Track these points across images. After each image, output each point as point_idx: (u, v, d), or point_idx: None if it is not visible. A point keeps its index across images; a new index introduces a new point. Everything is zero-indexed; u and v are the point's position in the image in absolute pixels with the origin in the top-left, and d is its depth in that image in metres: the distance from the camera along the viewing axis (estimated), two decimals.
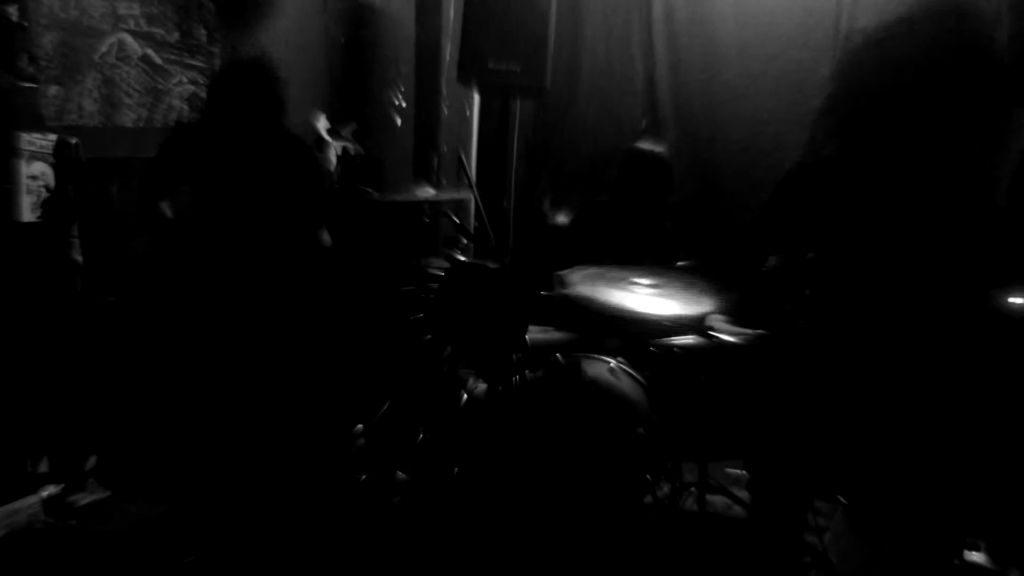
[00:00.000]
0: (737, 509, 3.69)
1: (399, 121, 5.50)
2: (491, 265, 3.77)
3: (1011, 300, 2.77)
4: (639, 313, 3.21)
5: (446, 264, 3.90)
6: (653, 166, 4.21)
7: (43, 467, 3.81)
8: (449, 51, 5.40)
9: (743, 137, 5.01)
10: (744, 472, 3.96)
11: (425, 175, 5.32)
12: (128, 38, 4.16)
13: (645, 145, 4.27)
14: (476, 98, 5.62)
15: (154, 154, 3.70)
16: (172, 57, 4.34)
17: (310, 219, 3.73)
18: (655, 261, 3.98)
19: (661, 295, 3.29)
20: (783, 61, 4.90)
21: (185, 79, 4.38)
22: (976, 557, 3.13)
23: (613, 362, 3.67)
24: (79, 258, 3.73)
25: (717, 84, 5.08)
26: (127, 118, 4.16)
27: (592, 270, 3.53)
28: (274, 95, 3.73)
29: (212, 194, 3.52)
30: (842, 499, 3.09)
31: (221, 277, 3.39)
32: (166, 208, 3.56)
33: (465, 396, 3.87)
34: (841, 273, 2.62)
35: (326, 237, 3.73)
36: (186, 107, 4.37)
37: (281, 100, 3.75)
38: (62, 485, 3.74)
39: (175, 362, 3.35)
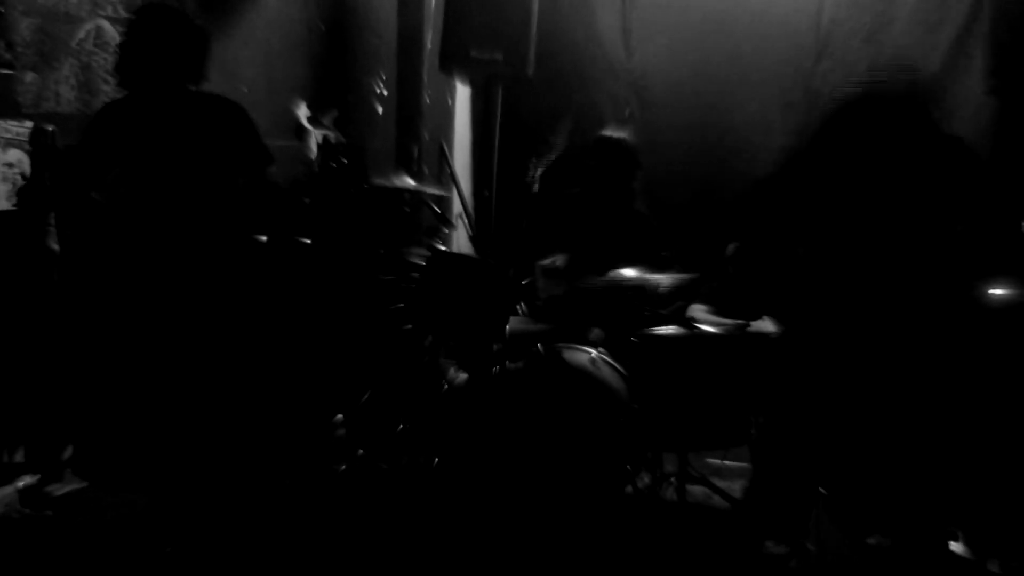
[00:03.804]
0: (717, 499, 3.70)
1: (380, 110, 5.47)
2: (472, 255, 3.76)
3: (991, 292, 2.78)
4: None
5: (427, 254, 3.89)
6: (618, 152, 4.21)
7: (19, 457, 3.79)
8: (431, 39, 5.36)
9: (729, 126, 5.01)
10: (724, 462, 3.98)
11: (406, 164, 5.30)
12: (106, 24, 4.12)
13: (608, 133, 4.27)
14: (458, 87, 5.59)
15: (81, 139, 3.46)
16: None
17: (251, 191, 3.52)
18: (631, 248, 3.99)
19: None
20: (768, 53, 4.90)
21: None
22: (955, 547, 3.14)
23: (594, 352, 3.67)
24: (55, 247, 3.70)
25: (703, 75, 5.08)
26: None
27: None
28: (188, 47, 3.40)
29: (142, 177, 3.32)
30: (822, 490, 3.10)
31: (170, 264, 3.32)
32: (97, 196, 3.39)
33: (446, 386, 3.86)
34: (825, 267, 2.63)
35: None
36: None
37: (200, 53, 3.43)
38: (39, 475, 3.72)
39: (151, 352, 3.32)
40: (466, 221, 4.27)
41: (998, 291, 2.75)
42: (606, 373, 3.59)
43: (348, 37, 5.45)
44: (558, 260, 3.97)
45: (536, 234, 4.27)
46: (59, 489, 3.71)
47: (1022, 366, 2.77)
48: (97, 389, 3.51)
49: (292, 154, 4.49)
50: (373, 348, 4.14)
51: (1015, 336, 2.77)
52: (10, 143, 3.70)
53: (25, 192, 3.71)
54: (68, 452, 3.77)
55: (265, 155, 3.46)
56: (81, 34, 4.03)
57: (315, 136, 4.55)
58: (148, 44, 3.32)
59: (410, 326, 3.98)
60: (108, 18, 4.10)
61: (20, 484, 3.67)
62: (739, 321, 3.66)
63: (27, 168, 3.71)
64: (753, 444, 3.50)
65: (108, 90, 4.12)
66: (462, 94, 5.67)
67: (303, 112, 4.62)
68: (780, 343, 3.01)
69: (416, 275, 3.89)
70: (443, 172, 5.00)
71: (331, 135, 4.60)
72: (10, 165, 3.71)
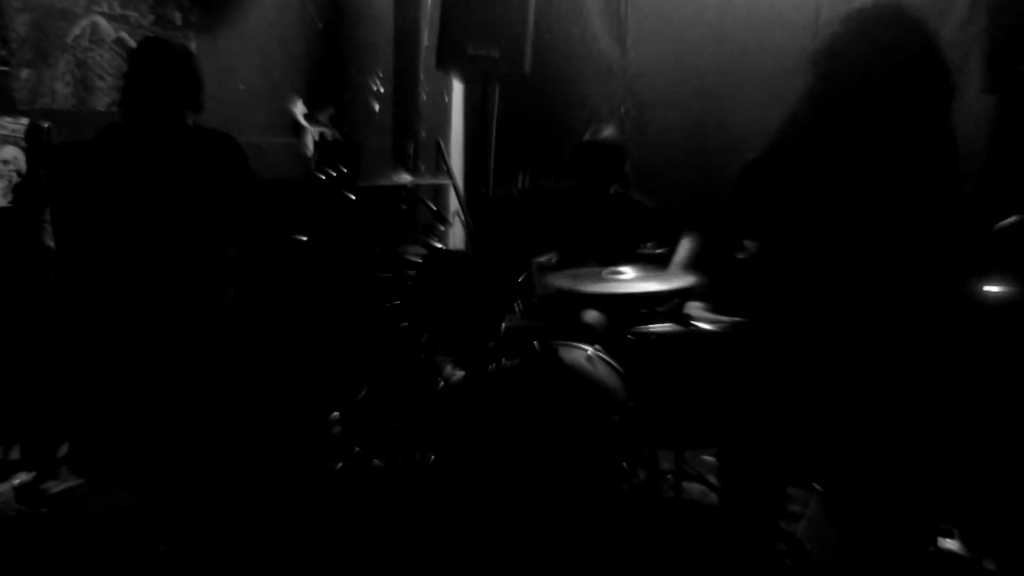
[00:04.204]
0: (713, 496, 3.70)
1: (377, 107, 5.47)
2: (468, 252, 3.76)
3: (985, 289, 2.78)
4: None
5: (423, 251, 3.89)
6: (602, 155, 4.21)
7: (15, 454, 3.79)
8: (427, 36, 5.37)
9: (724, 123, 5.00)
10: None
11: (403, 161, 5.30)
12: (102, 21, 4.12)
13: (588, 137, 4.26)
14: (455, 84, 5.59)
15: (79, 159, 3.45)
16: None
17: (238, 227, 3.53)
18: (627, 239, 3.99)
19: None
20: (763, 50, 4.90)
21: None
22: (950, 544, 3.14)
23: (590, 349, 3.66)
24: (51, 244, 3.69)
25: (701, 75, 5.08)
26: (100, 102, 4.13)
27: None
28: (185, 85, 3.44)
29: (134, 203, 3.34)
30: (817, 486, 3.10)
31: (165, 262, 3.33)
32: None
33: (442, 383, 3.86)
34: (813, 261, 2.62)
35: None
36: None
37: (199, 87, 3.46)
38: (34, 473, 3.72)
39: (147, 349, 3.32)
40: (463, 219, 4.27)
41: (992, 288, 2.75)
42: (602, 370, 3.59)
43: (345, 34, 5.45)
44: (554, 257, 3.96)
45: (530, 231, 4.27)
46: (55, 486, 3.70)
47: (1017, 362, 2.77)
48: (93, 386, 3.50)
49: (289, 151, 4.50)
50: (369, 345, 4.14)
51: (1009, 332, 2.77)
52: (6, 140, 3.70)
53: (21, 189, 3.71)
54: (64, 449, 3.77)
55: (256, 188, 3.49)
56: (76, 30, 4.02)
57: (311, 133, 4.56)
58: (150, 77, 3.36)
59: (406, 323, 3.98)
60: (103, 14, 4.09)
61: (16, 481, 3.66)
62: (736, 318, 3.65)
63: (23, 165, 3.70)
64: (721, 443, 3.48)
65: (104, 86, 4.12)
66: (459, 91, 5.68)
67: (300, 109, 4.62)
68: (771, 340, 3.00)
69: (412, 272, 3.89)
70: (440, 169, 5.00)
71: (327, 132, 4.60)
72: (6, 162, 3.71)
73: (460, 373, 3.84)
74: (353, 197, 4.13)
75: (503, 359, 3.58)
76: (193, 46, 4.46)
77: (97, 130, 3.40)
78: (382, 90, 5.47)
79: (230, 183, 3.40)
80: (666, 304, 3.86)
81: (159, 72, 3.35)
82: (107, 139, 3.39)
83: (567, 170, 4.32)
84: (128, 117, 3.38)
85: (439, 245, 4.16)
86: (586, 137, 4.26)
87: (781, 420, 2.69)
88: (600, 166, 4.20)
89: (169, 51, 3.45)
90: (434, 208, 4.32)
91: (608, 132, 4.26)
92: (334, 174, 4.11)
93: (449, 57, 4.66)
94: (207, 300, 3.39)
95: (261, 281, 3.78)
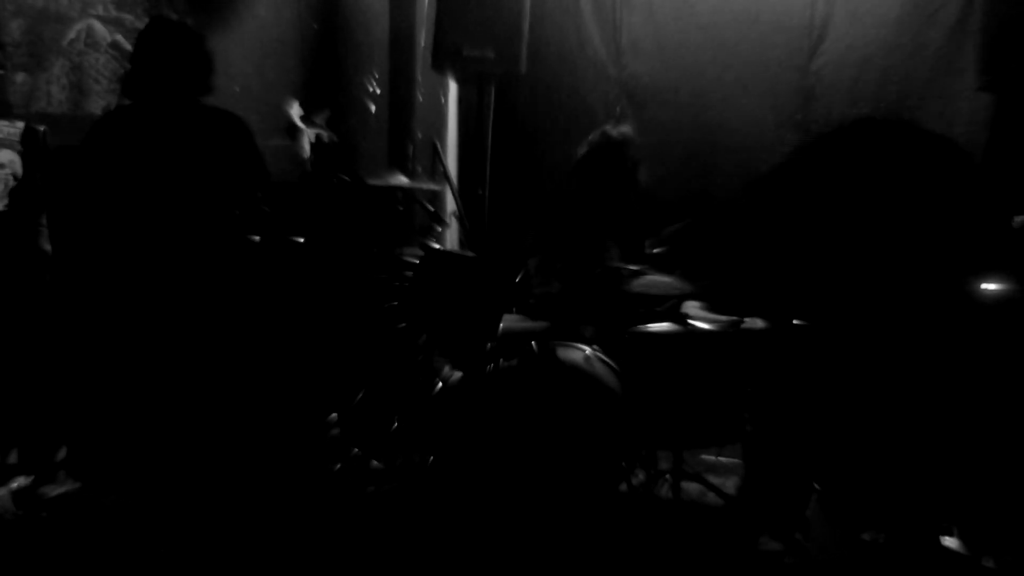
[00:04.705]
0: (711, 496, 3.70)
1: (373, 108, 5.46)
2: (466, 253, 3.76)
3: (984, 287, 2.78)
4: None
5: (421, 252, 3.88)
6: (612, 152, 4.20)
7: (13, 458, 3.78)
8: (424, 37, 5.36)
9: (719, 122, 5.00)
10: (718, 458, 3.99)
11: (399, 163, 5.29)
12: (97, 24, 4.11)
13: (605, 134, 4.25)
14: (451, 85, 5.59)
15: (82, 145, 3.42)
16: None
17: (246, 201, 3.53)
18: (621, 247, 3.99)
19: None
20: (759, 48, 4.90)
21: None
22: (950, 543, 3.14)
23: (588, 350, 3.67)
24: (48, 247, 3.69)
25: (696, 75, 5.08)
26: (96, 105, 4.12)
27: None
28: (196, 65, 3.45)
29: (140, 185, 3.32)
30: (817, 486, 3.10)
31: (163, 265, 3.32)
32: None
33: (440, 384, 3.86)
34: (816, 264, 2.63)
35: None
36: None
37: (207, 66, 3.48)
38: (32, 477, 3.71)
39: (144, 353, 3.32)
40: (460, 219, 4.26)
41: (991, 287, 2.75)
42: (600, 370, 3.59)
43: (341, 36, 5.44)
44: (551, 257, 3.96)
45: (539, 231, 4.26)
46: (53, 490, 3.69)
47: (1016, 361, 2.78)
48: (91, 390, 3.50)
49: (284, 154, 4.49)
50: (367, 347, 4.14)
51: (1008, 331, 2.77)
52: (1, 144, 3.69)
53: (17, 193, 3.70)
54: (62, 453, 3.76)
55: (262, 172, 3.48)
56: (71, 34, 4.02)
57: (308, 135, 4.55)
58: (158, 57, 3.35)
59: (404, 324, 3.97)
60: (98, 18, 4.09)
61: (14, 485, 3.66)
62: (733, 318, 3.65)
63: (19, 169, 3.70)
64: (746, 440, 3.50)
65: (99, 90, 4.11)
66: (455, 92, 5.67)
67: (296, 111, 4.61)
68: (774, 339, 3.01)
69: (410, 273, 3.88)
70: (436, 171, 5.00)
71: (324, 134, 4.59)
72: (2, 166, 3.70)
73: (458, 374, 3.84)
74: (360, 194, 4.13)
75: (501, 360, 3.58)
76: None
77: (99, 115, 3.39)
78: (378, 91, 5.46)
79: (239, 163, 3.38)
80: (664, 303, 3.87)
81: (170, 51, 3.35)
82: (109, 125, 3.37)
83: (572, 169, 4.31)
84: (133, 98, 3.37)
85: (436, 246, 4.15)
86: (600, 133, 4.24)
87: (803, 417, 2.70)
88: (606, 165, 4.17)
89: (180, 30, 3.44)
90: (431, 209, 4.32)
91: (621, 131, 4.24)
92: (345, 177, 4.11)
93: (445, 58, 4.66)
94: (214, 293, 3.38)
95: (259, 284, 3.77)
